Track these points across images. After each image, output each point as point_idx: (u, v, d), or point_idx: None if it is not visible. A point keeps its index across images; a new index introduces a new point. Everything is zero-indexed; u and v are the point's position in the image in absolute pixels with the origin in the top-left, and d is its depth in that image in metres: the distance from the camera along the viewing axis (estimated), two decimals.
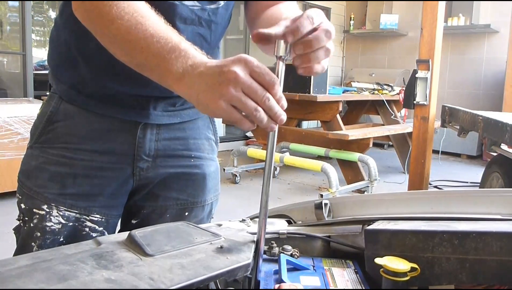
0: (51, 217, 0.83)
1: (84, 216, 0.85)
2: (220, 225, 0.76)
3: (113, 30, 0.66)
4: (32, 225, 0.84)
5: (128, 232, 0.65)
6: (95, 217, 0.86)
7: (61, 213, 0.84)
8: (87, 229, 0.86)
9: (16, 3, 4.71)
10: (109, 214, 0.88)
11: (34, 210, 0.84)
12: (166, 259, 0.57)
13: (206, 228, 0.71)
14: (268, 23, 0.81)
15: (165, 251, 0.60)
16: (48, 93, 0.92)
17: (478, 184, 3.83)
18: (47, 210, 0.83)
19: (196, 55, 0.62)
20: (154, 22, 0.65)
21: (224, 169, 4.61)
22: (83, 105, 0.86)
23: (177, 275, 0.53)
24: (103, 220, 0.87)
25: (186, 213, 0.96)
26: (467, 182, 4.90)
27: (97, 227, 0.87)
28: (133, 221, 0.94)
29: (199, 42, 0.84)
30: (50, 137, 0.86)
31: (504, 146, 2.86)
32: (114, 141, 0.87)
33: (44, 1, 6.08)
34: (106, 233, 0.88)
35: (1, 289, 0.47)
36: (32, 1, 4.59)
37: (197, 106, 0.61)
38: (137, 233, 0.64)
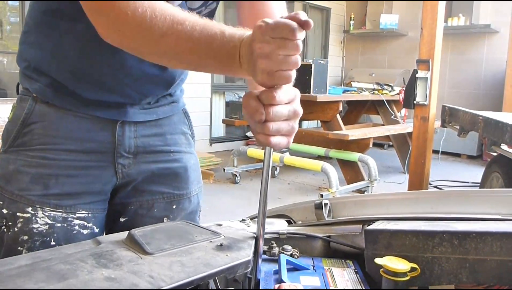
0: (37, 218, 0.83)
1: (71, 215, 0.85)
2: (220, 225, 0.77)
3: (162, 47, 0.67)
4: (16, 229, 0.83)
5: (128, 231, 0.65)
6: (82, 213, 0.86)
7: (47, 214, 0.83)
8: (76, 227, 0.86)
9: (16, 3, 4.71)
10: (94, 209, 0.88)
11: (18, 214, 0.83)
12: (165, 257, 0.57)
13: (206, 227, 0.71)
14: None
15: (165, 249, 0.60)
16: (18, 96, 0.90)
17: (478, 184, 3.83)
18: (32, 212, 0.83)
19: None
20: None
21: (224, 169, 4.61)
22: (59, 104, 0.86)
23: (177, 272, 0.53)
24: (90, 215, 0.87)
25: (174, 206, 0.97)
26: (467, 182, 4.90)
27: (85, 223, 0.87)
28: (121, 219, 0.94)
29: None
30: (26, 139, 0.85)
31: (504, 146, 2.86)
32: (94, 140, 0.87)
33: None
34: (95, 228, 0.88)
35: (1, 289, 0.47)
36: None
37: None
38: (137, 232, 0.64)
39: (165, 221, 0.94)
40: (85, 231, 0.86)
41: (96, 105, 0.86)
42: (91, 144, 0.87)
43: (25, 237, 0.82)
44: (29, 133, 0.85)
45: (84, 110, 0.86)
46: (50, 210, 0.84)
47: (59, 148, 0.85)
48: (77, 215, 0.86)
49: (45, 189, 0.84)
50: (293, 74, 0.59)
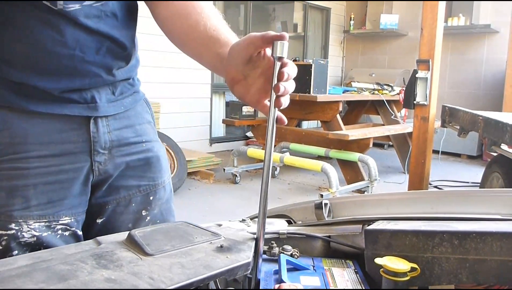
0: (23, 233, 0.80)
1: (54, 223, 0.83)
2: (220, 225, 0.77)
3: None
4: (1, 247, 0.80)
5: (128, 232, 0.65)
6: (65, 220, 0.84)
7: (32, 227, 0.81)
8: (60, 232, 0.84)
9: None
10: (76, 212, 0.87)
11: (1, 232, 0.79)
12: (166, 259, 0.57)
13: (206, 227, 0.71)
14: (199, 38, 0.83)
15: (165, 250, 0.60)
16: None
17: (478, 184, 3.83)
18: (16, 228, 0.79)
19: None
20: None
21: (224, 169, 4.61)
22: (25, 106, 0.81)
23: (177, 274, 0.53)
24: (72, 220, 0.86)
25: (151, 197, 0.96)
26: (467, 182, 4.90)
27: (68, 228, 0.85)
28: (98, 221, 0.92)
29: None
30: None
31: (504, 146, 2.86)
32: (68, 142, 0.84)
33: None
34: (77, 231, 0.87)
35: (1, 289, 0.47)
36: None
37: None
38: (137, 232, 0.64)
39: (143, 214, 0.94)
40: (67, 233, 0.85)
41: (64, 101, 0.83)
42: (65, 146, 0.83)
43: (15, 252, 0.80)
44: None
45: (52, 108, 0.82)
46: (34, 222, 0.81)
47: (30, 155, 0.80)
48: (61, 221, 0.84)
49: (26, 202, 0.80)
50: None
